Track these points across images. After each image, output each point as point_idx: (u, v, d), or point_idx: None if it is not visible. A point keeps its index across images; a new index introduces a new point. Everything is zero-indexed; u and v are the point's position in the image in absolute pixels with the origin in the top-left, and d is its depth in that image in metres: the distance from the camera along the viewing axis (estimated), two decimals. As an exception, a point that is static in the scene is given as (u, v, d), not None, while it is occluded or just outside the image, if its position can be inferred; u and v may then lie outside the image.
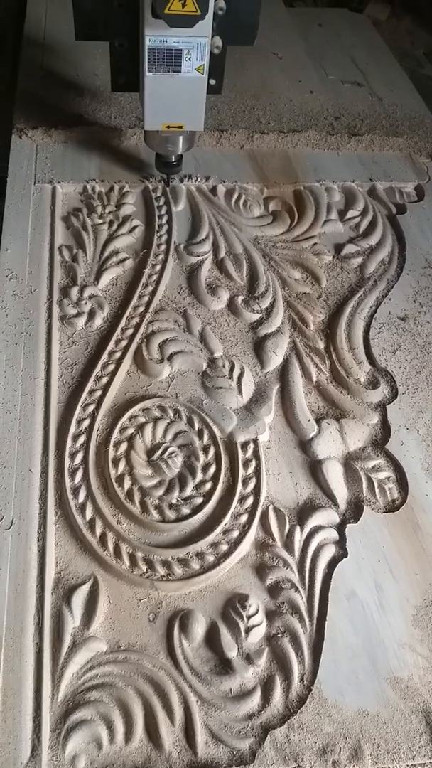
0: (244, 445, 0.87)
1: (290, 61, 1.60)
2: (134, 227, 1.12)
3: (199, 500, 0.82)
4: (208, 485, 0.83)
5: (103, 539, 0.77)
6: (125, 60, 1.01)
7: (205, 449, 0.86)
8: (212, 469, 0.84)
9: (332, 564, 0.78)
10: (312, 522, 0.81)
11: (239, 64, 1.55)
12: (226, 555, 0.77)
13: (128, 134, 1.26)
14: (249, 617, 0.72)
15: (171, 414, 0.89)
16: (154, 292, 1.03)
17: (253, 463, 0.85)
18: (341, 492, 0.84)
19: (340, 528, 0.81)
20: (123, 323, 0.98)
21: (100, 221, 1.12)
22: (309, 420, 0.90)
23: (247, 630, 0.72)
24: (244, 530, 0.79)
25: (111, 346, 0.95)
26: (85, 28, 1.01)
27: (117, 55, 1.02)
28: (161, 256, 1.09)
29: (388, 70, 1.62)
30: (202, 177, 1.22)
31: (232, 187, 1.22)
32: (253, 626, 0.72)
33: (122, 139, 1.26)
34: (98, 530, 0.78)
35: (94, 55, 1.46)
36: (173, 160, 1.14)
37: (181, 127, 1.02)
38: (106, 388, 0.90)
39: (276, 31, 1.69)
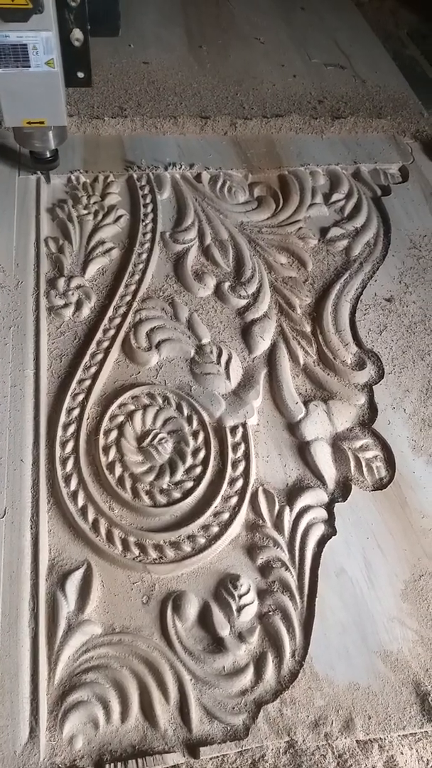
0: (233, 429, 0.88)
1: (273, 46, 1.59)
2: (119, 217, 1.13)
3: (189, 484, 0.83)
4: (198, 469, 0.84)
5: (95, 525, 0.78)
6: None
7: (195, 434, 0.87)
8: (202, 454, 0.85)
9: (322, 542, 0.79)
10: (301, 502, 0.82)
11: (222, 50, 1.55)
12: (217, 537, 0.78)
13: (111, 124, 1.27)
14: (241, 596, 0.74)
15: (160, 401, 0.90)
16: (140, 281, 1.03)
17: (242, 447, 0.86)
18: (329, 472, 0.85)
19: (329, 507, 0.82)
20: (110, 313, 0.99)
21: (86, 212, 1.12)
22: (297, 402, 0.91)
23: (239, 609, 0.73)
24: (235, 512, 0.81)
25: (99, 335, 0.96)
26: None
27: None
28: (147, 245, 1.09)
29: (371, 52, 1.62)
30: (186, 164, 1.22)
31: (216, 174, 1.22)
32: (245, 605, 0.73)
33: (105, 129, 1.26)
34: (90, 517, 0.79)
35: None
36: (48, 155, 1.12)
37: (42, 122, 1.00)
38: (95, 378, 0.91)
39: (258, 16, 1.69)
